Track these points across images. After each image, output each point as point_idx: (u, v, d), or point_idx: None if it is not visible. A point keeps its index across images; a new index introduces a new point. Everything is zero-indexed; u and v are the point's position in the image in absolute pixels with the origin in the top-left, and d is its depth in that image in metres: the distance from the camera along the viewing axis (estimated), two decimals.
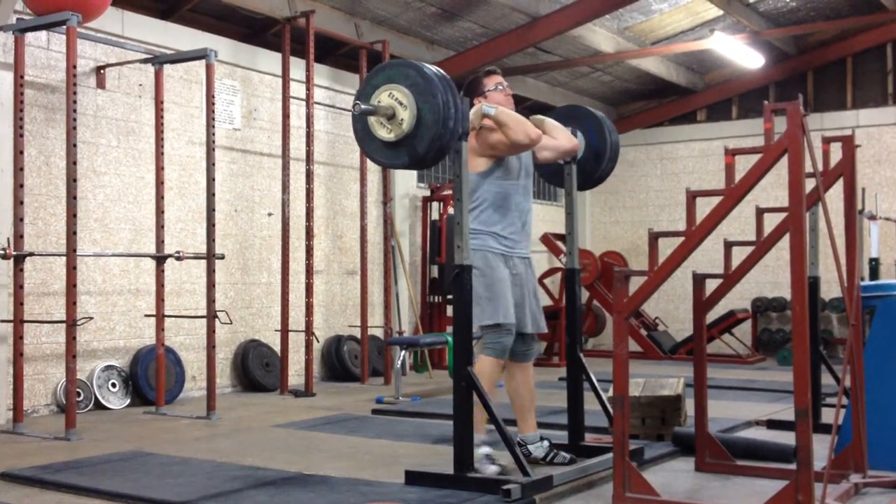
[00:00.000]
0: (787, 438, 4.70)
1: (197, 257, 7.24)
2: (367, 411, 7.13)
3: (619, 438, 4.09)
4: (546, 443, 4.83)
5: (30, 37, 6.66)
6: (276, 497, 4.24)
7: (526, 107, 12.16)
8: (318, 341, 8.90)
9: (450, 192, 9.87)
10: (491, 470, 4.46)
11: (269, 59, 8.78)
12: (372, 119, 4.23)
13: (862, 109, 12.23)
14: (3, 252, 6.09)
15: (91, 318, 6.81)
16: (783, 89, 12.60)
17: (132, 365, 7.41)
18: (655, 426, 5.68)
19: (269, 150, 8.83)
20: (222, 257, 7.38)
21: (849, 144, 5.00)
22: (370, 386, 8.81)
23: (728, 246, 4.85)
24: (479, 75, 4.95)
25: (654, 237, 4.33)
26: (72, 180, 5.97)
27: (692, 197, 4.37)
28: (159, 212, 7.06)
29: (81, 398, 6.94)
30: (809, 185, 4.11)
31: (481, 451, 4.51)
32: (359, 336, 9.28)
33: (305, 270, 8.46)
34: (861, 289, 4.49)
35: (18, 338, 6.17)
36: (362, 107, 4.18)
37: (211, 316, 6.88)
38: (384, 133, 4.21)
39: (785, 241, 4.01)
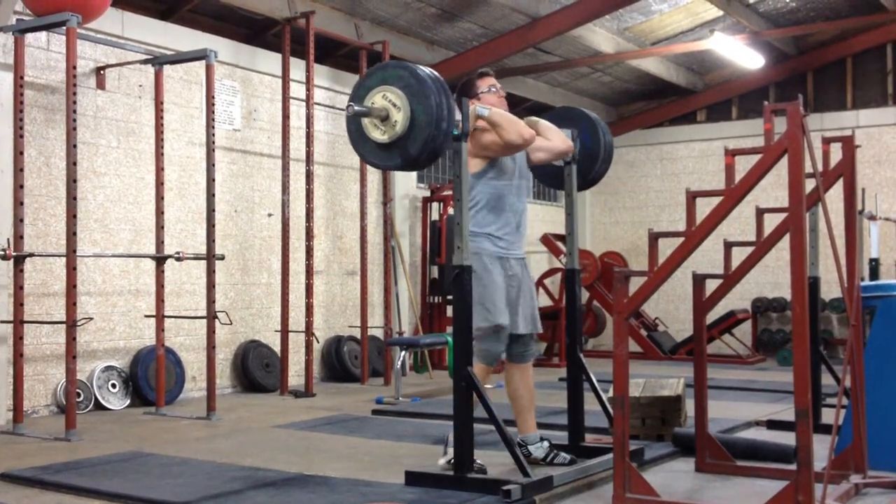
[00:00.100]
0: (788, 439, 4.70)
1: (197, 258, 7.24)
2: (367, 412, 7.13)
3: (620, 439, 4.08)
4: (546, 443, 4.83)
5: (30, 37, 6.66)
6: (277, 498, 4.24)
7: (526, 107, 12.17)
8: (318, 342, 8.90)
9: (449, 192, 9.87)
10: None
11: (269, 60, 8.78)
12: (366, 120, 4.24)
13: (862, 110, 12.23)
14: (3, 253, 6.09)
15: (91, 319, 6.81)
16: (783, 90, 12.60)
17: (132, 365, 7.41)
18: (655, 427, 5.68)
19: (269, 150, 8.83)
20: (222, 258, 7.38)
21: (849, 145, 5.00)
22: (370, 386, 8.81)
23: (728, 246, 4.85)
24: (473, 77, 4.95)
25: (654, 237, 4.33)
26: (72, 181, 5.97)
27: (692, 197, 4.37)
28: (159, 212, 7.07)
29: (81, 399, 6.94)
30: (809, 185, 4.11)
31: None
32: (359, 336, 9.28)
33: (305, 271, 8.46)
34: (861, 289, 4.49)
35: (18, 338, 6.17)
36: (356, 108, 4.19)
37: (211, 316, 6.88)
38: (378, 135, 4.21)
39: (785, 242, 4.01)
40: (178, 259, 7.15)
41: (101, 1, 6.41)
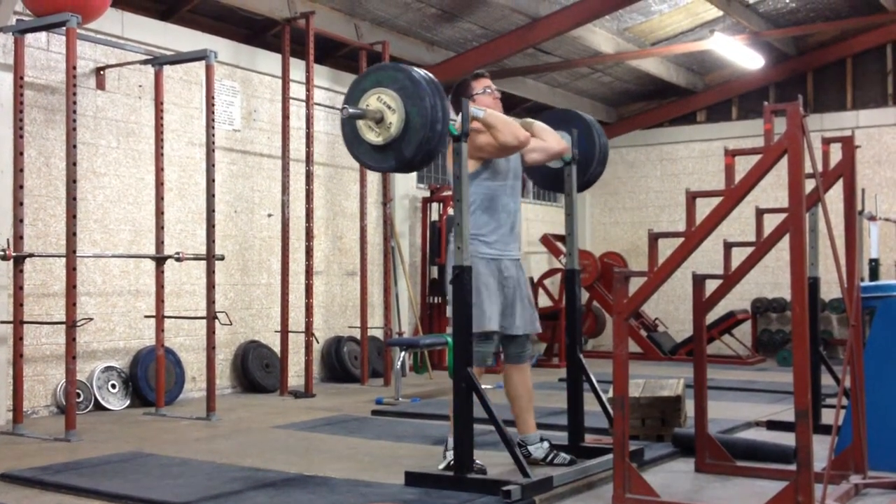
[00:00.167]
0: (787, 439, 4.70)
1: (197, 258, 7.24)
2: (366, 412, 7.13)
3: (619, 439, 4.09)
4: (546, 444, 4.83)
5: (30, 38, 6.66)
6: (276, 498, 4.24)
7: (526, 108, 12.17)
8: (317, 342, 8.90)
9: (449, 193, 9.87)
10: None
11: (269, 60, 8.78)
12: (360, 122, 4.24)
13: (862, 110, 12.24)
14: (2, 253, 6.09)
15: (91, 320, 6.81)
16: (783, 90, 12.60)
17: (132, 366, 7.41)
18: (655, 427, 5.68)
19: (269, 151, 8.83)
20: (222, 258, 7.38)
21: (848, 145, 5.00)
22: (370, 387, 8.81)
23: (728, 247, 4.86)
24: (468, 78, 4.95)
25: (653, 238, 4.33)
26: (71, 181, 5.97)
27: (692, 198, 4.37)
28: (159, 213, 7.07)
29: (81, 399, 6.94)
30: (809, 185, 4.11)
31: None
32: (359, 337, 9.28)
33: (305, 271, 8.46)
34: (861, 289, 4.49)
35: (18, 339, 6.17)
36: (350, 110, 4.19)
37: (211, 317, 6.88)
38: (372, 136, 4.21)
39: (785, 242, 4.01)
40: (178, 259, 7.15)
41: (101, 1, 6.42)
